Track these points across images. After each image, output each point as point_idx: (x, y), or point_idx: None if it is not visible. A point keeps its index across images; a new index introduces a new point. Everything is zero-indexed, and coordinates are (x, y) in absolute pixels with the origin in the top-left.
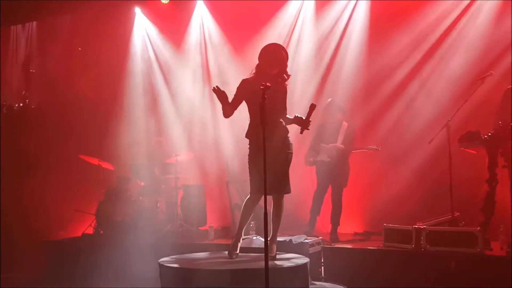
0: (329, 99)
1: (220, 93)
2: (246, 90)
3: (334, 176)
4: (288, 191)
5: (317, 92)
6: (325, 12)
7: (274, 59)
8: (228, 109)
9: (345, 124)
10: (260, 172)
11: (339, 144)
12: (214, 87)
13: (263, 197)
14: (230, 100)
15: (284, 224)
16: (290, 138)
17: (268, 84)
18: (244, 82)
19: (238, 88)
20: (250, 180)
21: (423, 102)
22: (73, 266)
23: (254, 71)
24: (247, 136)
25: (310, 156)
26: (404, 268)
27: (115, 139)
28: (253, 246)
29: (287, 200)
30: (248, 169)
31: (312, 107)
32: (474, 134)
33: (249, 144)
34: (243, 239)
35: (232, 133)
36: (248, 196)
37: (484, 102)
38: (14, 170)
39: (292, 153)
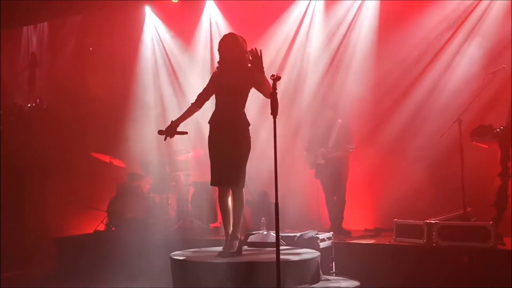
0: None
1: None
2: (215, 82)
3: (334, 175)
4: (238, 185)
5: (328, 90)
6: (335, 10)
7: (222, 47)
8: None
9: (339, 121)
10: (212, 162)
11: (331, 143)
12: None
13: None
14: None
15: (293, 221)
16: (249, 131)
17: (279, 74)
18: (214, 75)
19: (210, 80)
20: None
21: (435, 98)
22: (84, 262)
23: (217, 65)
24: (209, 122)
25: (307, 160)
26: (415, 263)
27: (126, 136)
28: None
29: (296, 196)
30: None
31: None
32: (486, 128)
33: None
34: (253, 234)
35: None
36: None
37: (496, 96)
38: (26, 168)
39: (249, 146)
